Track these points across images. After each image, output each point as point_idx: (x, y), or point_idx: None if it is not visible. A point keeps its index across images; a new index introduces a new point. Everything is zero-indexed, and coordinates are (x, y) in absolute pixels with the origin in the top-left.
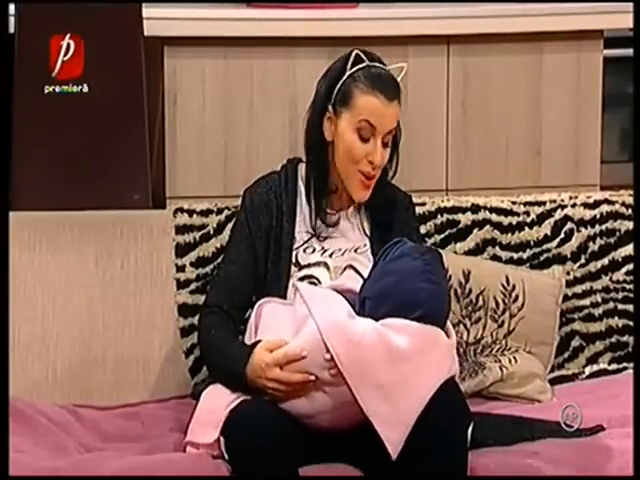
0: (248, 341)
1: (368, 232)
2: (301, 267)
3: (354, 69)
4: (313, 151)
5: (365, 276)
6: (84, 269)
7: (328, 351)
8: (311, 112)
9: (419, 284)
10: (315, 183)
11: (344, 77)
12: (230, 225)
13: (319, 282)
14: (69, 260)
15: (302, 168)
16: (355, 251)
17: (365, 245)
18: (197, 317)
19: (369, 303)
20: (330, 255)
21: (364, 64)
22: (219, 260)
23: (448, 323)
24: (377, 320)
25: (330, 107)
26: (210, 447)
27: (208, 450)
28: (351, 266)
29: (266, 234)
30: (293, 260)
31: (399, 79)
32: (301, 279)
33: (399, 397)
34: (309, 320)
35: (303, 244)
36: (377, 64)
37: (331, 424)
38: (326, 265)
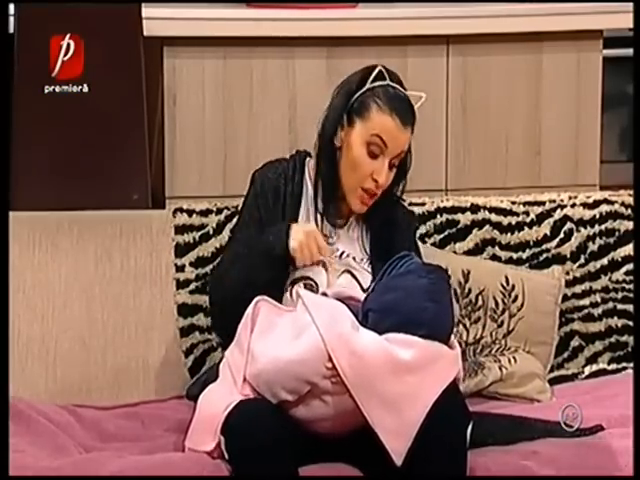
0: (243, 336)
1: (367, 249)
2: None
3: (375, 84)
4: (325, 159)
5: (362, 283)
6: (84, 269)
7: (330, 360)
8: (325, 121)
9: (423, 303)
10: (325, 191)
11: (364, 88)
12: (230, 225)
13: (316, 285)
14: (69, 260)
15: (310, 163)
16: (353, 259)
17: (362, 260)
18: (196, 317)
19: (372, 316)
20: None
21: (385, 82)
22: (219, 260)
23: (452, 337)
24: (380, 334)
25: (345, 115)
26: (209, 453)
27: (207, 455)
28: (348, 271)
29: (274, 219)
30: None
31: (416, 107)
32: (297, 280)
33: (404, 408)
34: (312, 328)
35: None
36: (397, 86)
37: (331, 430)
38: (324, 265)
